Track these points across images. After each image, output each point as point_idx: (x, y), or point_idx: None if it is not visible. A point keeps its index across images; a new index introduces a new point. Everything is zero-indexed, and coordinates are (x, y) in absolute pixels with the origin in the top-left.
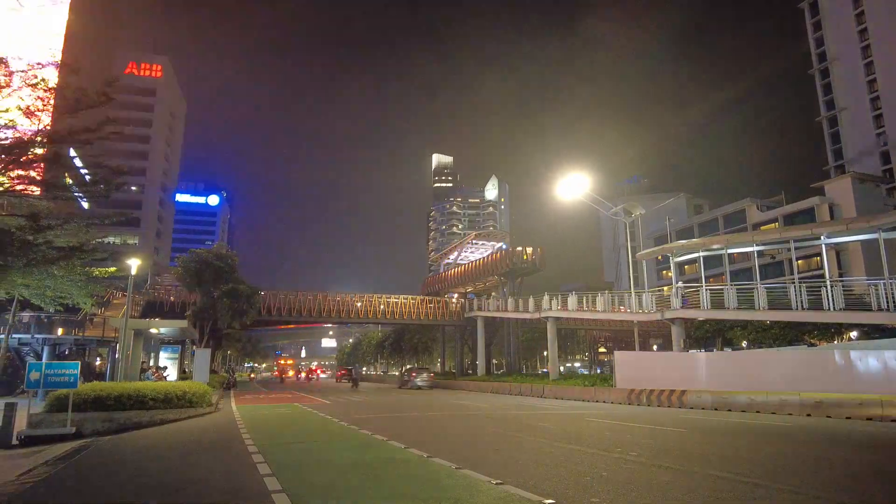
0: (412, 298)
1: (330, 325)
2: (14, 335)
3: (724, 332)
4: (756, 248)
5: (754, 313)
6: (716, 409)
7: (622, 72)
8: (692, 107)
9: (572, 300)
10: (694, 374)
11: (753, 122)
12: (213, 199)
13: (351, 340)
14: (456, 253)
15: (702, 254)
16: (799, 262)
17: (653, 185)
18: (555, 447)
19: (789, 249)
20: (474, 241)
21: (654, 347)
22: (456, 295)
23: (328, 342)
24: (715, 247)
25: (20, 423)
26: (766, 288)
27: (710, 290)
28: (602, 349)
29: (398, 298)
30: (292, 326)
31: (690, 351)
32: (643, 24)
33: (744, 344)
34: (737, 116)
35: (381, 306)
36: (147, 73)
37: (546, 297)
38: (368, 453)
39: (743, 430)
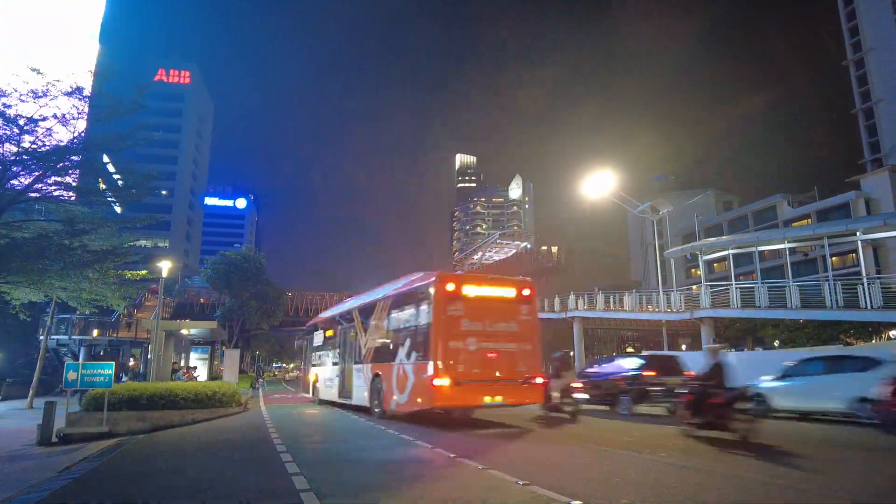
0: None
1: None
2: (52, 336)
3: (756, 332)
4: (788, 245)
5: (787, 312)
6: None
7: (650, 68)
8: (721, 102)
9: (599, 299)
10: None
11: (784, 117)
12: (241, 203)
13: None
14: (480, 253)
15: (731, 251)
16: (833, 258)
17: (681, 181)
18: (582, 448)
19: (823, 246)
20: (499, 241)
21: (683, 347)
22: None
23: None
24: (745, 244)
25: (58, 422)
26: (798, 285)
27: (740, 288)
28: (629, 349)
29: None
30: None
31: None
32: (673, 19)
33: (776, 344)
34: (767, 111)
35: None
36: (175, 79)
37: (572, 297)
38: (395, 453)
39: (774, 431)
